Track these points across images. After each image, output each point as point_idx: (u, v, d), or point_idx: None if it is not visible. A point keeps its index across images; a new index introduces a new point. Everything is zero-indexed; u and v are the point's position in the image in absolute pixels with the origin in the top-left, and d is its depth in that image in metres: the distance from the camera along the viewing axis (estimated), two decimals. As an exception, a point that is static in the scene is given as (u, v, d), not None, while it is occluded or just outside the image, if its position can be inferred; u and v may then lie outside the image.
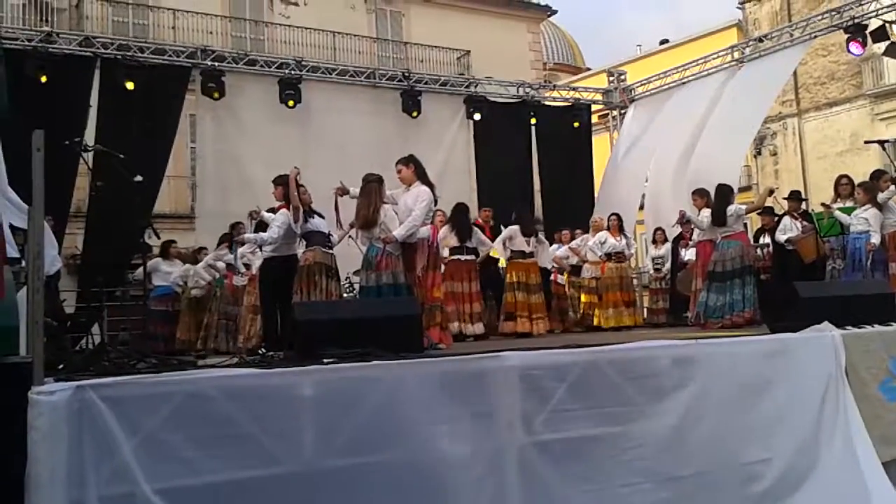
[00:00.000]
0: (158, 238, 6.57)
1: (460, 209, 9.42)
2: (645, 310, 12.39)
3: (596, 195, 14.63)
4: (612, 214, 10.97)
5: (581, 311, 11.36)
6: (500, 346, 5.88)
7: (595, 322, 10.82)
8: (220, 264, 10.05)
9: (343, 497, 3.68)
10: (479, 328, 9.19)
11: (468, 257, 9.23)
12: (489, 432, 4.07)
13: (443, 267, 8.85)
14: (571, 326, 11.22)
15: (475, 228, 9.47)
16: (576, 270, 11.60)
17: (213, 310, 10.02)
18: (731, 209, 8.64)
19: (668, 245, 11.71)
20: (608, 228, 10.81)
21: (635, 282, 12.31)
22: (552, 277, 11.36)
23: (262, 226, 7.70)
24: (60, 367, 4.37)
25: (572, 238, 11.70)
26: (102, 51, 10.81)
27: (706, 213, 9.01)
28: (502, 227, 9.94)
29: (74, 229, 11.06)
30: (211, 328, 9.93)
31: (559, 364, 4.32)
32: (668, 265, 11.63)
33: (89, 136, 9.53)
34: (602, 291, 10.79)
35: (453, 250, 9.19)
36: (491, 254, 10.10)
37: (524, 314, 9.53)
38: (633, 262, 12.01)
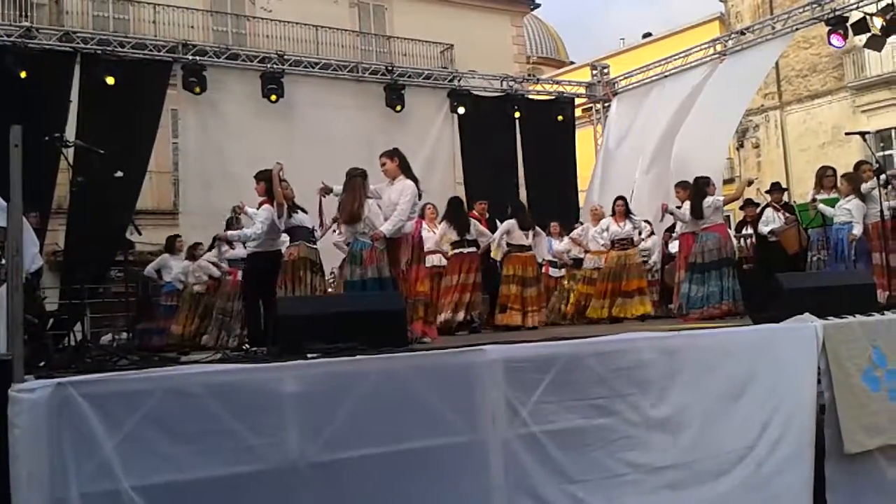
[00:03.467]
0: (140, 234, 6.54)
1: (455, 203, 9.44)
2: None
3: (580, 188, 14.69)
4: (618, 198, 10.39)
5: (577, 303, 10.84)
6: (485, 339, 5.88)
7: (588, 314, 10.28)
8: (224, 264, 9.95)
9: (327, 493, 3.68)
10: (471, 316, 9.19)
11: (470, 249, 9.21)
12: (474, 425, 4.07)
13: (428, 259, 8.86)
14: (559, 319, 11.08)
15: (472, 220, 9.43)
16: (577, 263, 11.22)
17: (214, 306, 9.87)
18: (707, 201, 8.67)
19: (654, 238, 11.74)
20: (613, 214, 10.27)
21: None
22: (543, 270, 11.26)
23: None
24: (41, 364, 4.34)
25: (561, 230, 11.62)
26: (82, 46, 10.72)
27: (688, 205, 9.05)
28: (497, 221, 9.94)
29: (56, 226, 10.97)
30: (211, 324, 9.78)
31: (542, 356, 4.32)
32: (654, 257, 11.66)
33: (70, 132, 9.47)
34: (598, 281, 10.29)
35: (455, 244, 9.19)
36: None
37: (517, 307, 9.53)
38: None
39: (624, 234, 10.11)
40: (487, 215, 10.16)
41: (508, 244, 9.70)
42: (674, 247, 10.40)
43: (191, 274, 10.44)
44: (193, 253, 10.53)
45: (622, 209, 10.17)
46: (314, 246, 7.74)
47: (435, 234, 9.26)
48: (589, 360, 4.41)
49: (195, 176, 11.50)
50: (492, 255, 10.29)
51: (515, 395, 4.16)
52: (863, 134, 9.27)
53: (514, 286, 9.53)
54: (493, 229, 9.78)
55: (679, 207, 9.19)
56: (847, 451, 4.90)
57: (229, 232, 8.05)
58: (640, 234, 10.33)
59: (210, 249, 10.12)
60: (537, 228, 10.03)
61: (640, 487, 4.37)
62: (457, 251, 9.17)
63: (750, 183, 9.68)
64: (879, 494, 5.10)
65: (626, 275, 10.04)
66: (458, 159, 13.43)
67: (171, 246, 10.83)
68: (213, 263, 9.99)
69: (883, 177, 8.14)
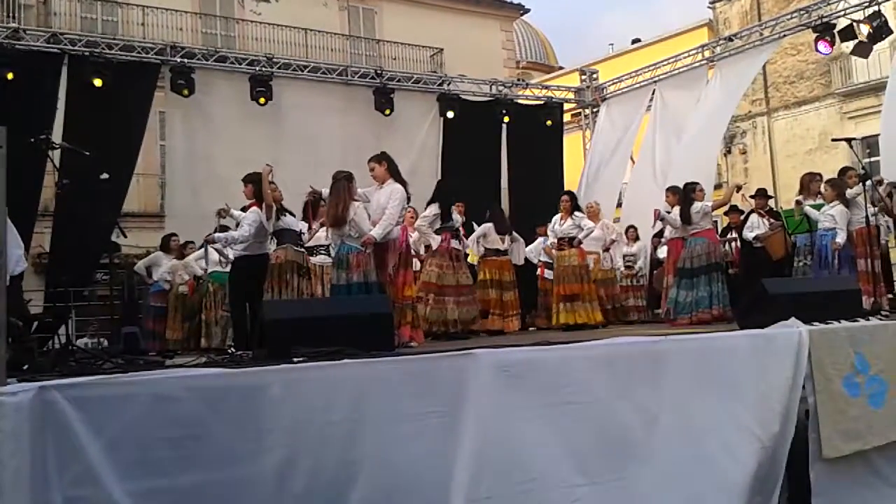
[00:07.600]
0: (125, 237, 6.50)
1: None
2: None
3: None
4: (564, 194, 9.97)
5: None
6: (473, 343, 5.87)
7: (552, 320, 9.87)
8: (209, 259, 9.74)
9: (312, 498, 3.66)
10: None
11: None
12: (462, 430, 4.06)
13: (416, 263, 8.85)
14: (550, 323, 10.94)
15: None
16: None
17: (208, 306, 9.60)
18: (696, 207, 8.70)
19: (641, 243, 11.76)
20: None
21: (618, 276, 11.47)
22: (539, 273, 11.20)
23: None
24: (25, 367, 4.31)
25: None
26: (70, 47, 10.65)
27: (678, 210, 9.08)
28: (474, 224, 9.93)
29: (42, 228, 10.91)
30: (210, 325, 9.50)
31: (532, 361, 4.32)
32: (640, 262, 11.66)
33: (57, 134, 9.41)
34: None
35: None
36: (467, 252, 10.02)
37: (497, 311, 9.55)
38: (615, 252, 11.34)
39: (563, 233, 9.68)
40: (464, 219, 10.11)
41: (484, 248, 9.70)
42: (662, 252, 10.40)
43: (176, 273, 10.31)
44: (182, 252, 10.41)
45: (567, 205, 9.70)
46: (301, 249, 7.72)
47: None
48: (576, 364, 4.41)
49: (182, 178, 11.44)
50: (469, 259, 10.26)
51: (503, 400, 4.15)
52: (849, 140, 9.29)
53: (493, 290, 9.53)
54: (469, 232, 9.73)
55: (669, 212, 9.23)
56: (825, 456, 4.92)
57: (216, 234, 7.98)
58: (581, 230, 9.62)
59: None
60: (515, 234, 10.03)
61: (608, 492, 4.36)
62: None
63: (738, 189, 9.70)
64: (864, 500, 5.11)
65: (564, 278, 9.62)
66: (446, 163, 13.41)
67: (167, 244, 10.63)
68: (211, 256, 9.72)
69: (869, 182, 8.17)
